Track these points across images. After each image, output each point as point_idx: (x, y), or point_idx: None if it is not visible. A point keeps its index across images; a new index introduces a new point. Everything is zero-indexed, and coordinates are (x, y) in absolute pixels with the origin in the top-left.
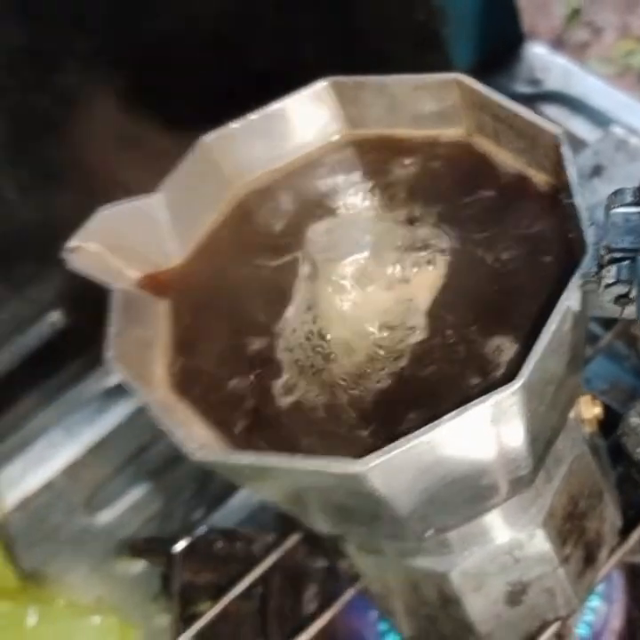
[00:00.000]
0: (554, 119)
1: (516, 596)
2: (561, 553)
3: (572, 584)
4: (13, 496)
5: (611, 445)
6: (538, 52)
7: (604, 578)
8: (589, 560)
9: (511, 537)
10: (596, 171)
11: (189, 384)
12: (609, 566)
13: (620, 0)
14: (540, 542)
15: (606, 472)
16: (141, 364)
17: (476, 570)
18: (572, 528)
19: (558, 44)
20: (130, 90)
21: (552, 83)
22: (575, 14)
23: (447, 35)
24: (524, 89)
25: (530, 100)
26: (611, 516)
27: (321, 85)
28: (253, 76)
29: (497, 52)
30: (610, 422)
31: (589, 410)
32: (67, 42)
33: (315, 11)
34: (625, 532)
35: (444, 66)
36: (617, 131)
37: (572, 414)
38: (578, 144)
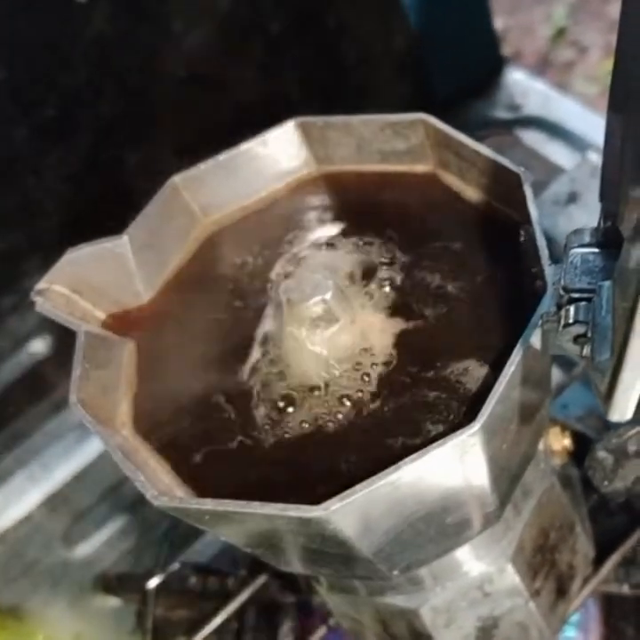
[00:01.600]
0: (532, 145)
1: (487, 630)
2: (531, 586)
3: (543, 616)
4: None
5: (583, 475)
6: (517, 78)
7: (577, 608)
8: (561, 592)
9: (481, 571)
10: (572, 197)
11: (152, 426)
12: (582, 597)
13: (605, 19)
14: (509, 576)
15: (578, 503)
16: (107, 406)
17: (446, 605)
18: (542, 560)
19: (544, 63)
20: (113, 124)
21: (531, 108)
22: (560, 34)
23: (427, 62)
24: (503, 114)
25: (509, 126)
26: (583, 546)
27: (288, 126)
28: (235, 110)
29: (477, 79)
30: (584, 451)
31: (559, 441)
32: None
33: (297, 42)
34: (598, 562)
35: (423, 93)
36: (593, 157)
37: (541, 446)
38: (555, 170)
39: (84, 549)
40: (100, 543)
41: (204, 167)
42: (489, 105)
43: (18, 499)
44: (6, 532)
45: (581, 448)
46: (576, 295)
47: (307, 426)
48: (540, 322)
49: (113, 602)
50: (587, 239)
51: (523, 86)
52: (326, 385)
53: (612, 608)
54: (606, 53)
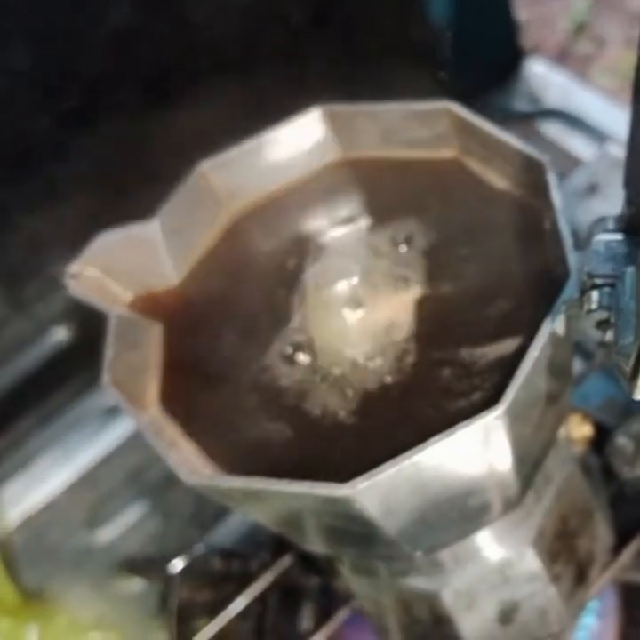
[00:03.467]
0: (552, 137)
1: (507, 614)
2: (551, 571)
3: (563, 602)
4: (15, 515)
5: (603, 463)
6: (537, 70)
7: (596, 595)
8: (581, 578)
9: (502, 556)
10: (592, 189)
11: (178, 406)
12: (601, 584)
13: (625, 13)
14: (530, 561)
15: (597, 490)
16: (136, 386)
17: (467, 588)
18: (562, 546)
19: (563, 56)
20: (136, 111)
21: (551, 100)
22: (580, 27)
23: (446, 54)
24: (523, 106)
25: (529, 117)
26: (602, 533)
27: (314, 113)
28: (259, 98)
29: (497, 71)
30: (604, 440)
31: (579, 429)
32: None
33: (318, 31)
34: (617, 550)
35: (443, 84)
36: (612, 149)
37: (562, 433)
38: (575, 162)
39: (107, 533)
40: (123, 527)
41: (231, 154)
42: (509, 97)
43: (41, 484)
44: (30, 517)
45: (601, 437)
46: (599, 281)
47: (332, 407)
48: (563, 307)
49: (136, 585)
50: (611, 226)
51: (543, 78)
52: (352, 367)
53: (630, 596)
54: (626, 46)
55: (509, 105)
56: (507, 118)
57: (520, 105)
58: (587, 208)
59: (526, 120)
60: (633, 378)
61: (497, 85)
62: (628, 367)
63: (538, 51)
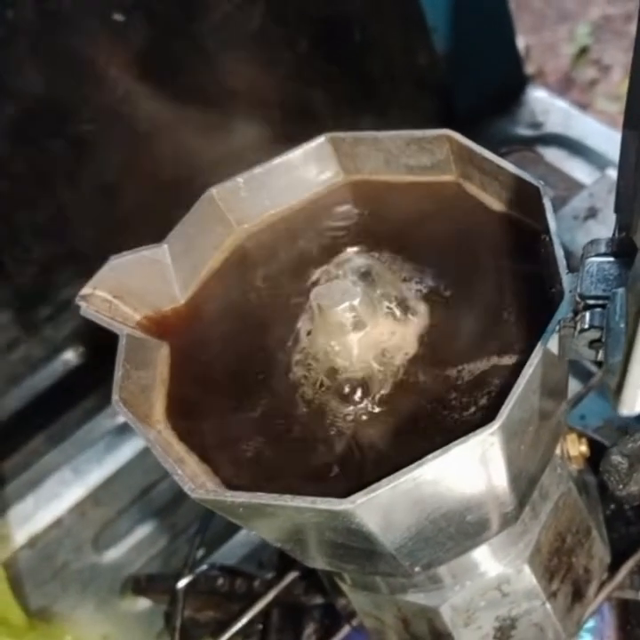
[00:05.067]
0: (553, 162)
1: (505, 631)
2: (548, 588)
3: (560, 619)
4: (23, 533)
5: (600, 482)
6: (539, 96)
7: (593, 613)
8: (578, 595)
9: (499, 572)
10: (591, 213)
11: (184, 423)
12: (598, 601)
13: (628, 38)
14: (527, 577)
15: (595, 508)
16: (145, 404)
17: (466, 604)
18: (559, 564)
19: (566, 82)
20: (147, 138)
21: (552, 126)
22: (583, 53)
23: (450, 79)
24: (525, 132)
25: (530, 143)
26: (599, 551)
27: (320, 140)
28: (267, 124)
29: (499, 96)
30: (601, 458)
31: (576, 448)
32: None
33: (324, 58)
34: (615, 568)
35: (446, 109)
36: (612, 174)
37: (558, 452)
38: (576, 186)
39: (113, 553)
40: (128, 547)
41: (239, 179)
42: (511, 122)
43: (49, 503)
44: (37, 536)
45: (598, 456)
46: (592, 302)
47: (335, 424)
48: (557, 327)
49: (141, 604)
50: (602, 249)
51: (544, 104)
52: (354, 384)
53: (627, 615)
54: (629, 72)
55: (512, 130)
56: (509, 143)
57: (522, 130)
58: (587, 231)
59: (528, 145)
60: (617, 393)
61: (500, 111)
62: (612, 384)
63: (542, 76)
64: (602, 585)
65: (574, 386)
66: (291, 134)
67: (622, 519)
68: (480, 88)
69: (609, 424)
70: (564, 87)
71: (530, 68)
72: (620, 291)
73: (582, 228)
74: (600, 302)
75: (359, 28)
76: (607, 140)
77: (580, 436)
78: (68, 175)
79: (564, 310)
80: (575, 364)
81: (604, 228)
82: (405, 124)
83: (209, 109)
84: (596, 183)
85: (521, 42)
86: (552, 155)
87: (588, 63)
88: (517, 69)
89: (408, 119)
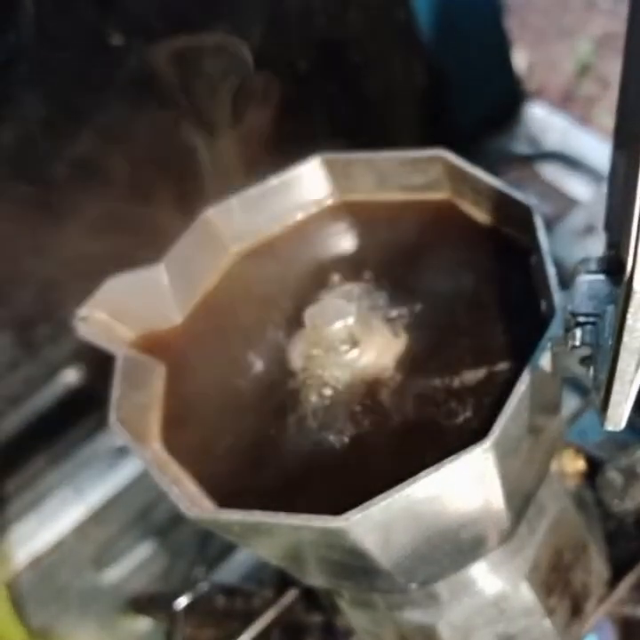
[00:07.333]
0: (551, 178)
1: None
2: (546, 604)
3: (558, 635)
4: (24, 554)
5: (599, 497)
6: (538, 113)
7: (592, 629)
8: (576, 611)
9: (497, 588)
10: (589, 229)
11: (180, 442)
12: (596, 617)
13: None
14: (524, 594)
15: (592, 524)
16: (142, 424)
17: (463, 622)
18: (557, 579)
19: (567, 98)
20: (145, 159)
21: (551, 142)
22: (585, 69)
23: (448, 97)
24: (523, 149)
25: (529, 160)
26: (597, 567)
27: (314, 162)
28: (263, 144)
29: (497, 114)
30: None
31: (573, 464)
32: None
33: (322, 78)
34: (613, 583)
35: (444, 127)
36: None
37: (554, 468)
38: (573, 203)
39: (114, 573)
40: (129, 567)
41: (234, 200)
42: (509, 139)
43: (51, 523)
44: (38, 557)
45: (596, 472)
46: (583, 319)
47: (330, 442)
48: (549, 344)
49: (141, 624)
50: (593, 267)
51: (543, 121)
52: (348, 402)
53: (628, 632)
54: None
55: (510, 147)
56: (508, 160)
57: (520, 147)
58: (583, 248)
59: (526, 162)
60: (603, 409)
61: (498, 129)
62: (598, 400)
63: (543, 93)
64: (601, 600)
65: (573, 402)
66: (288, 155)
67: (621, 534)
68: (478, 106)
69: (610, 439)
70: (566, 103)
71: (531, 85)
72: (610, 308)
73: (579, 243)
74: (591, 320)
75: (357, 48)
76: (605, 156)
77: (578, 451)
78: (68, 197)
79: (555, 328)
80: (575, 379)
81: (602, 243)
82: (403, 143)
83: (207, 131)
84: (593, 200)
85: (524, 58)
86: (550, 171)
87: (590, 79)
88: (515, 87)
89: (406, 138)
